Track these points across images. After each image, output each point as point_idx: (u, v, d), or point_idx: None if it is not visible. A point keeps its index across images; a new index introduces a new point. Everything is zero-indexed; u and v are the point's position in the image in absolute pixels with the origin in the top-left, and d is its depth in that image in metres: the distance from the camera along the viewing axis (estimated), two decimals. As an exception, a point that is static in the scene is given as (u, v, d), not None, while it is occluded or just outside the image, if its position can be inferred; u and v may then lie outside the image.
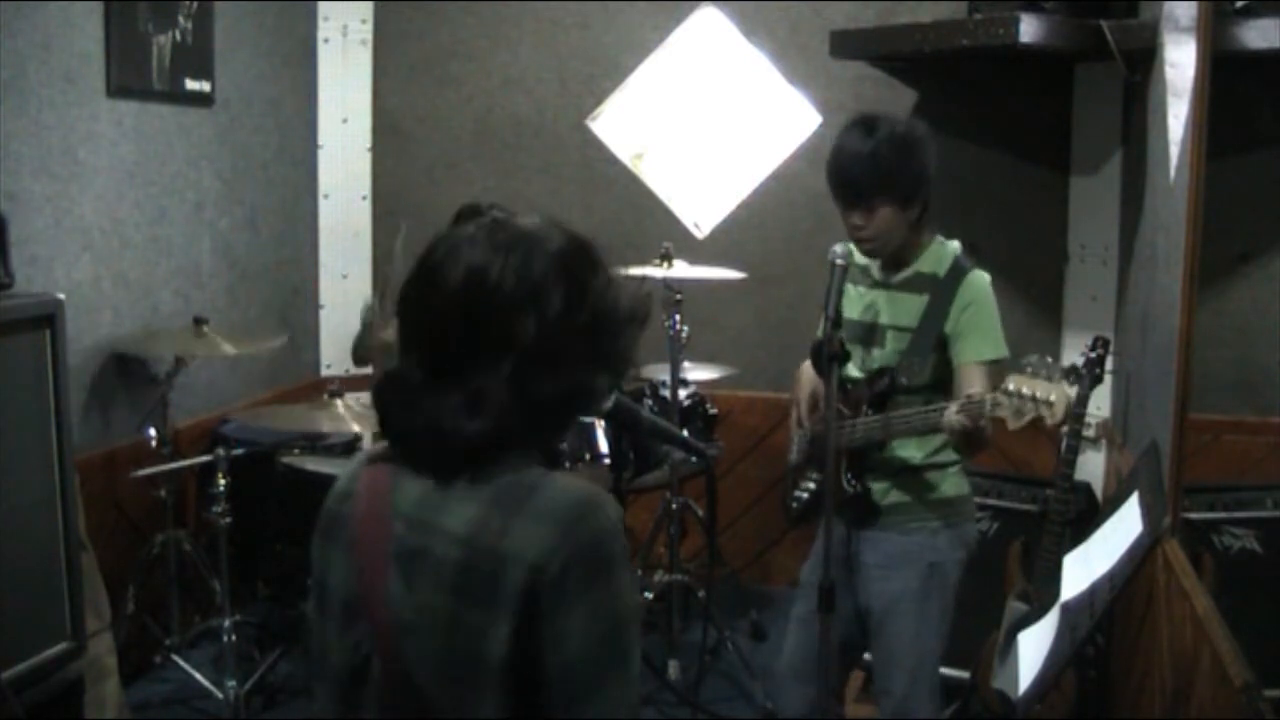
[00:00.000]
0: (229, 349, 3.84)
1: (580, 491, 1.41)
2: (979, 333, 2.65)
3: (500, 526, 1.37)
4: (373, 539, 1.45)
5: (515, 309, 1.40)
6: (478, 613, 1.37)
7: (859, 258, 2.77)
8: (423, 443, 1.44)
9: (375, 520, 1.46)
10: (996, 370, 2.62)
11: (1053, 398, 2.38)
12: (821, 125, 4.62)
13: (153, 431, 3.66)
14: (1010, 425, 2.46)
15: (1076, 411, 3.06)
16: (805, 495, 2.90)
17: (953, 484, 2.78)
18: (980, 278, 2.69)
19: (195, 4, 4.07)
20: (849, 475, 2.73)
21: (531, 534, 1.36)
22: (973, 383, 2.60)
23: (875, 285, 2.77)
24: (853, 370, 2.77)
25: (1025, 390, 2.41)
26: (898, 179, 2.61)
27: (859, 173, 2.61)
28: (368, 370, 4.63)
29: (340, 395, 3.71)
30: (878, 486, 2.76)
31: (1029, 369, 2.44)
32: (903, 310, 2.72)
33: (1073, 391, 2.42)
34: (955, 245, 2.76)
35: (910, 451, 2.75)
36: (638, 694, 1.41)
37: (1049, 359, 2.45)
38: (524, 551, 1.35)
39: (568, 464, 3.66)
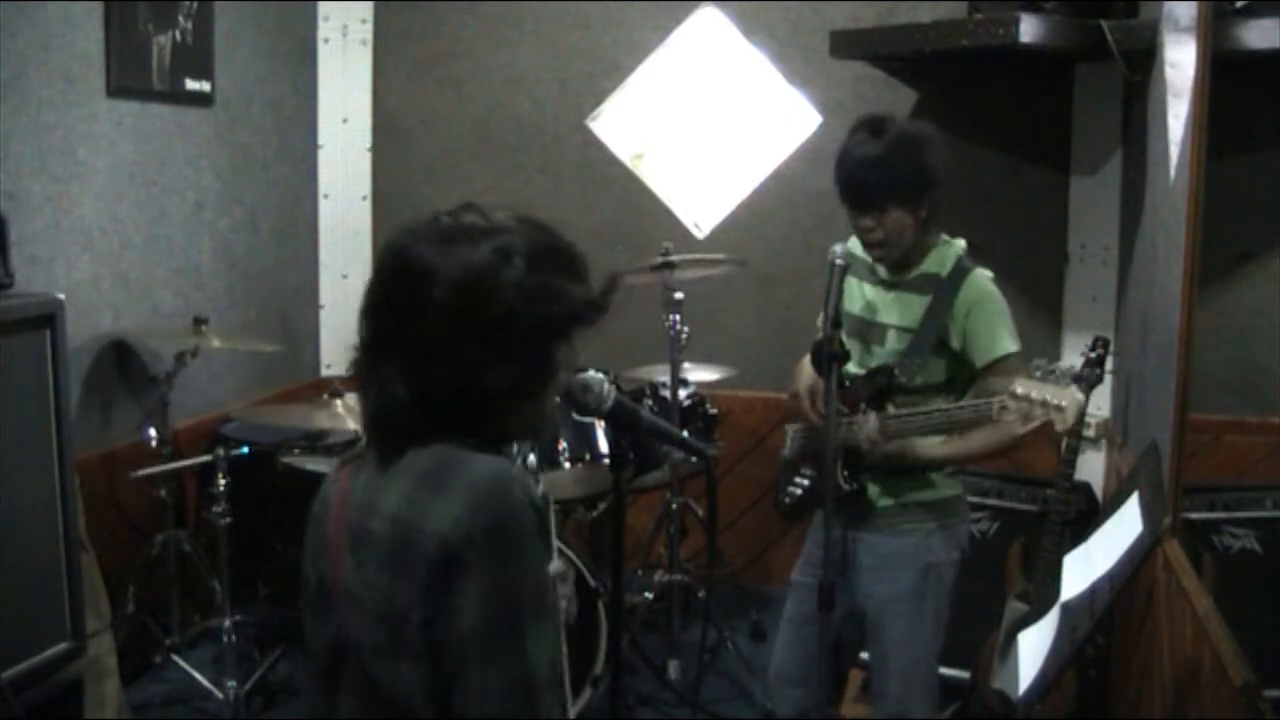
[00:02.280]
0: (229, 349, 3.83)
1: (495, 469, 1.45)
2: (986, 335, 2.65)
3: (423, 503, 1.43)
4: (338, 527, 1.53)
5: (411, 298, 1.46)
6: (402, 586, 1.43)
7: (862, 253, 2.77)
8: (366, 418, 1.54)
9: (340, 511, 1.54)
10: (1015, 363, 2.62)
11: (1063, 402, 2.36)
12: (821, 125, 4.62)
13: (153, 431, 3.66)
14: (1018, 430, 2.45)
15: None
16: (798, 491, 2.90)
17: (946, 485, 2.78)
18: (981, 277, 2.68)
19: (195, 4, 4.07)
20: (845, 473, 2.73)
21: (446, 509, 1.41)
22: (995, 385, 2.60)
23: (880, 284, 2.77)
24: (852, 368, 2.77)
25: (1034, 394, 2.39)
26: (908, 181, 2.60)
27: (870, 177, 2.61)
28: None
29: (340, 395, 3.71)
30: (872, 488, 2.76)
31: (1038, 372, 2.42)
32: (906, 310, 2.72)
33: (1083, 396, 2.40)
34: (960, 244, 2.75)
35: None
36: (533, 677, 1.41)
37: (1059, 363, 2.44)
38: (438, 526, 1.41)
39: (568, 463, 3.66)
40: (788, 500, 2.92)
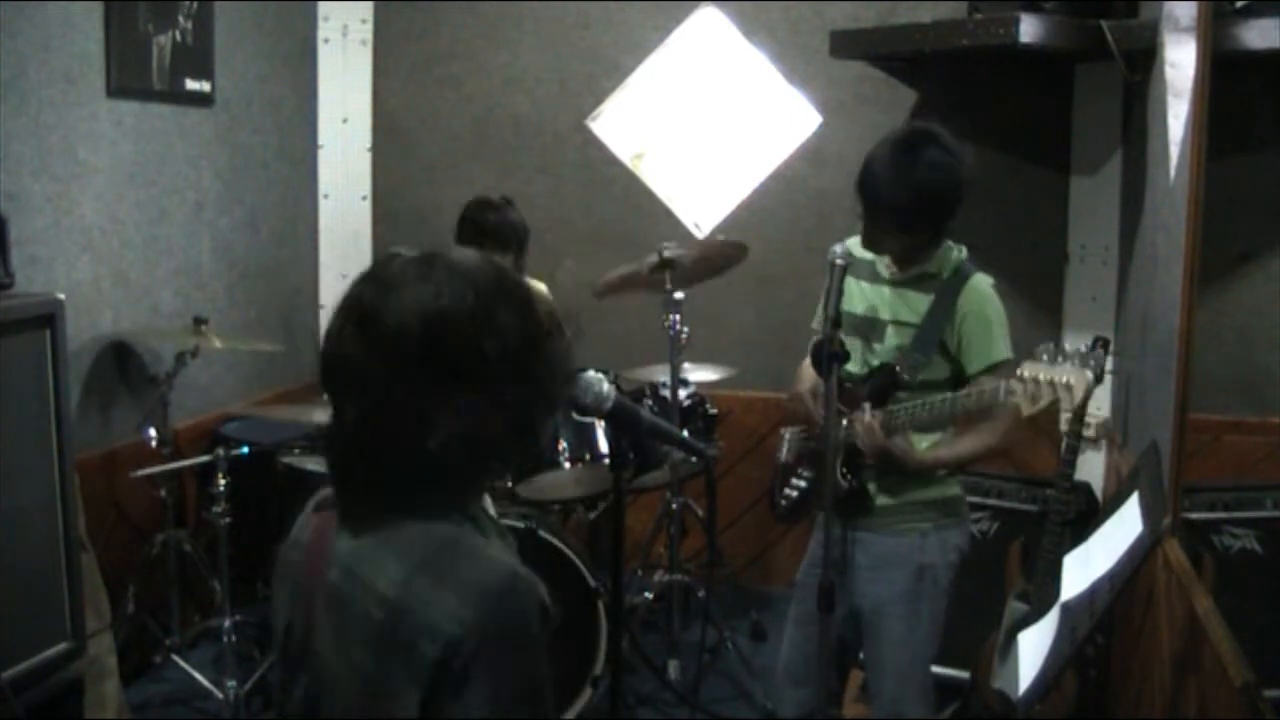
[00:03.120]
0: (229, 349, 3.83)
1: (505, 569, 1.38)
2: (980, 340, 2.66)
3: (423, 594, 1.36)
4: (313, 584, 1.46)
5: (365, 357, 1.38)
6: (393, 677, 1.37)
7: (861, 252, 2.77)
8: (333, 487, 1.47)
9: (317, 565, 1.46)
10: (1005, 371, 2.62)
11: (1070, 380, 2.37)
12: (821, 125, 4.62)
13: (153, 431, 3.66)
14: (1025, 411, 2.45)
15: (1076, 412, 3.06)
16: (794, 493, 2.90)
17: (944, 485, 2.78)
18: (981, 282, 2.68)
19: (195, 4, 4.07)
20: (844, 471, 2.73)
21: (452, 608, 1.34)
22: (989, 382, 2.62)
23: (880, 281, 2.77)
24: (852, 367, 2.77)
25: (1041, 376, 2.40)
26: (907, 217, 2.61)
27: (876, 197, 2.61)
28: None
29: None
30: (871, 486, 2.76)
31: (1044, 356, 2.43)
32: (906, 306, 2.72)
33: (1091, 376, 2.40)
34: (963, 250, 2.76)
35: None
36: None
37: (1065, 346, 2.44)
38: (442, 624, 1.34)
39: (568, 463, 3.66)
40: (784, 503, 2.93)
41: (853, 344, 2.77)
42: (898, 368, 2.68)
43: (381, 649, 1.38)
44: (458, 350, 1.37)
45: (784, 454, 2.94)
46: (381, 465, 1.40)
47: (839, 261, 2.62)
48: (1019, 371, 2.45)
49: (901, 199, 2.58)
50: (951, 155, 2.59)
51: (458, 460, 1.40)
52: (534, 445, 1.49)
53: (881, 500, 2.75)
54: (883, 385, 2.70)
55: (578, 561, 3.39)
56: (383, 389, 1.38)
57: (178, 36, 4.00)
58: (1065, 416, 2.89)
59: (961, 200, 2.63)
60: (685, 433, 3.79)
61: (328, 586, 1.44)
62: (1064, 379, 2.37)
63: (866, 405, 2.69)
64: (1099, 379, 3.00)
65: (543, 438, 1.51)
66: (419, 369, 1.36)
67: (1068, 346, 2.45)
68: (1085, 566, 2.22)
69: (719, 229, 4.79)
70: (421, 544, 1.39)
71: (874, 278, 2.79)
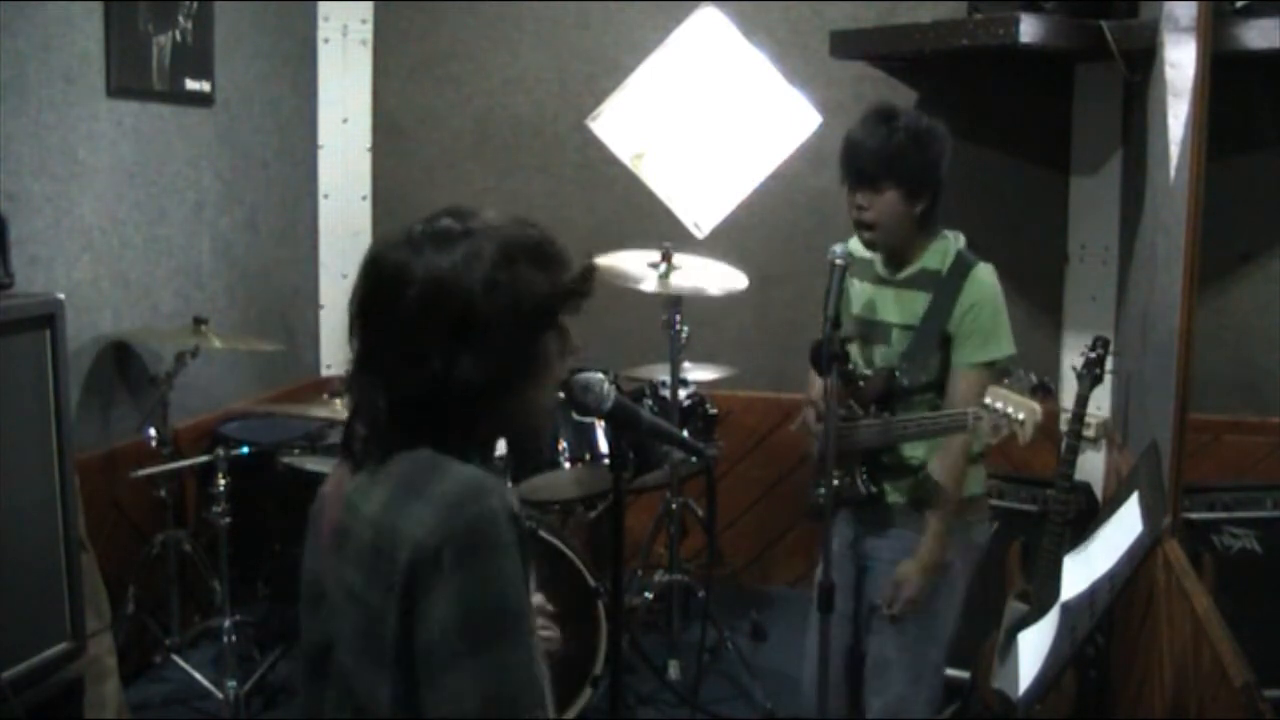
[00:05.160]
0: (229, 349, 3.83)
1: (472, 477, 1.45)
2: (979, 335, 2.65)
3: (400, 509, 1.44)
4: (329, 526, 1.55)
5: (385, 304, 1.48)
6: (379, 592, 1.43)
7: (862, 252, 2.76)
8: (346, 426, 1.57)
9: (333, 510, 1.55)
10: (997, 372, 2.62)
11: (1022, 416, 2.40)
12: (821, 125, 4.62)
13: (153, 431, 3.66)
14: (989, 439, 2.49)
15: (1076, 412, 3.07)
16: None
17: (969, 485, 2.77)
18: (985, 273, 2.68)
19: (195, 4, 4.07)
20: (864, 476, 2.73)
21: (422, 515, 1.41)
22: (966, 387, 2.62)
23: (879, 282, 2.77)
24: (864, 368, 2.77)
25: (999, 405, 2.43)
26: (908, 166, 2.61)
27: (872, 151, 2.62)
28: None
29: (340, 395, 3.71)
30: (893, 487, 2.75)
31: (1005, 382, 2.46)
32: (906, 308, 2.71)
33: (1038, 410, 2.43)
34: (960, 239, 2.75)
35: (924, 452, 2.74)
36: (508, 687, 1.39)
37: (1031, 375, 2.46)
38: (413, 531, 1.41)
39: (568, 463, 3.66)
40: (820, 501, 2.91)
41: (855, 345, 2.76)
42: (896, 373, 2.68)
43: (369, 567, 1.45)
44: (457, 310, 1.45)
45: (816, 450, 2.93)
46: (379, 405, 1.49)
47: (839, 261, 2.62)
48: (985, 400, 2.46)
49: (887, 150, 2.59)
50: (925, 124, 2.65)
51: (450, 404, 1.47)
52: (530, 402, 1.54)
53: (902, 499, 2.75)
54: (883, 390, 2.70)
55: (578, 561, 3.39)
56: (381, 335, 1.49)
57: (178, 36, 4.00)
58: (1064, 416, 2.90)
59: (938, 170, 2.64)
60: (685, 433, 3.79)
61: (337, 524, 1.52)
62: (1017, 414, 2.41)
63: (873, 409, 2.70)
64: (1097, 381, 3.02)
65: (542, 397, 1.56)
66: (417, 323, 1.45)
67: (1065, 359, 2.47)
68: (1085, 566, 2.22)
69: (719, 229, 4.79)
70: (402, 469, 1.47)
71: (875, 279, 2.78)
